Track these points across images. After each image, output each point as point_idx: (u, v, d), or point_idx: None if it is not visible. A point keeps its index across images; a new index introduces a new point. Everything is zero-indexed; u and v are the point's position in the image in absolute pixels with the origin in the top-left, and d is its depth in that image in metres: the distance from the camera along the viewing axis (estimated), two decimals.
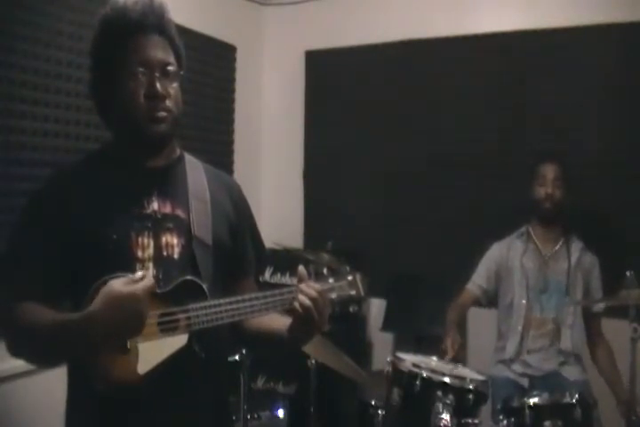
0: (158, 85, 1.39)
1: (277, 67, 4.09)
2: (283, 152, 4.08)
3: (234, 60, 3.79)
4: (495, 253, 3.00)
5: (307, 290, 1.40)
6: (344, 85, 3.84)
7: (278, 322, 1.48)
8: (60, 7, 2.62)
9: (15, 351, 1.35)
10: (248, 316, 1.39)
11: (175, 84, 1.44)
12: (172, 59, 1.44)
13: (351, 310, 1.57)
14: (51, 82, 2.58)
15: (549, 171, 2.85)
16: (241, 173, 3.70)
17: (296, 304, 1.39)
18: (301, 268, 1.45)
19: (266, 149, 4.12)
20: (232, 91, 3.80)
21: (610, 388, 2.75)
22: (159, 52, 1.42)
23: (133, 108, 1.38)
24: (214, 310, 1.34)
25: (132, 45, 1.40)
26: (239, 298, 1.37)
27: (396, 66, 3.68)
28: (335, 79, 3.88)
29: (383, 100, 3.71)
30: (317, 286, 1.42)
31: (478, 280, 3.01)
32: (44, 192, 1.43)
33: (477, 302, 3.06)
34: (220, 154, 3.68)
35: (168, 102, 1.40)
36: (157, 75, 1.40)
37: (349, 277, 1.51)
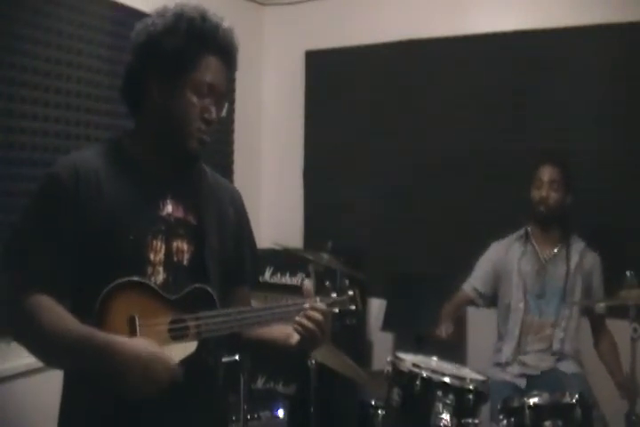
0: (215, 112, 1.41)
1: (277, 67, 4.09)
2: (283, 152, 4.08)
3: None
4: (493, 254, 2.98)
5: (312, 314, 1.43)
6: (344, 85, 3.84)
7: (278, 330, 1.50)
8: (60, 7, 2.62)
9: (18, 340, 1.32)
10: (255, 326, 1.43)
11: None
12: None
13: (347, 322, 1.63)
14: (51, 82, 2.58)
15: (546, 173, 2.82)
16: (241, 173, 3.70)
17: (299, 328, 1.42)
18: (307, 283, 1.48)
19: (266, 149, 4.12)
20: (232, 91, 3.80)
21: (608, 370, 2.75)
22: (226, 82, 1.45)
23: (188, 124, 1.39)
24: (224, 318, 1.35)
25: (211, 65, 1.40)
26: (248, 308, 1.43)
27: (395, 66, 3.68)
28: (335, 79, 3.88)
29: (383, 99, 3.71)
30: (323, 306, 1.46)
31: (474, 282, 2.99)
32: (62, 184, 1.33)
33: (473, 303, 3.05)
34: (220, 154, 3.67)
35: (211, 129, 1.43)
36: (215, 102, 1.42)
37: (350, 293, 1.57)
